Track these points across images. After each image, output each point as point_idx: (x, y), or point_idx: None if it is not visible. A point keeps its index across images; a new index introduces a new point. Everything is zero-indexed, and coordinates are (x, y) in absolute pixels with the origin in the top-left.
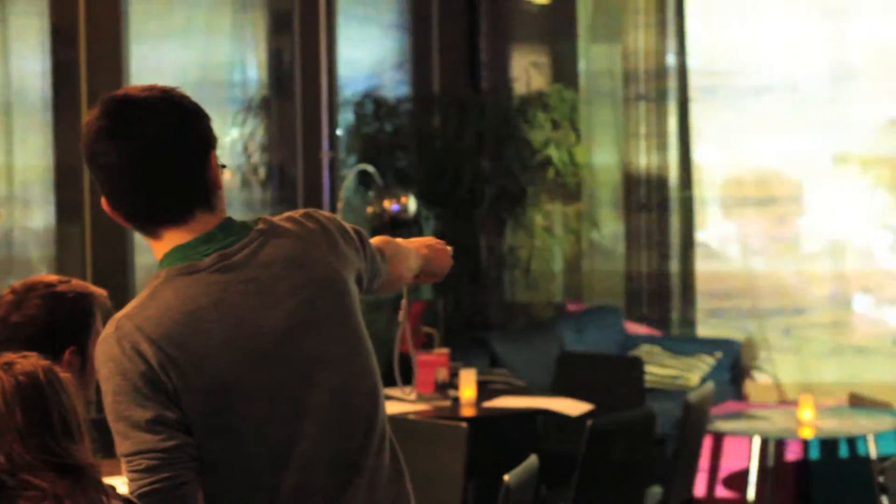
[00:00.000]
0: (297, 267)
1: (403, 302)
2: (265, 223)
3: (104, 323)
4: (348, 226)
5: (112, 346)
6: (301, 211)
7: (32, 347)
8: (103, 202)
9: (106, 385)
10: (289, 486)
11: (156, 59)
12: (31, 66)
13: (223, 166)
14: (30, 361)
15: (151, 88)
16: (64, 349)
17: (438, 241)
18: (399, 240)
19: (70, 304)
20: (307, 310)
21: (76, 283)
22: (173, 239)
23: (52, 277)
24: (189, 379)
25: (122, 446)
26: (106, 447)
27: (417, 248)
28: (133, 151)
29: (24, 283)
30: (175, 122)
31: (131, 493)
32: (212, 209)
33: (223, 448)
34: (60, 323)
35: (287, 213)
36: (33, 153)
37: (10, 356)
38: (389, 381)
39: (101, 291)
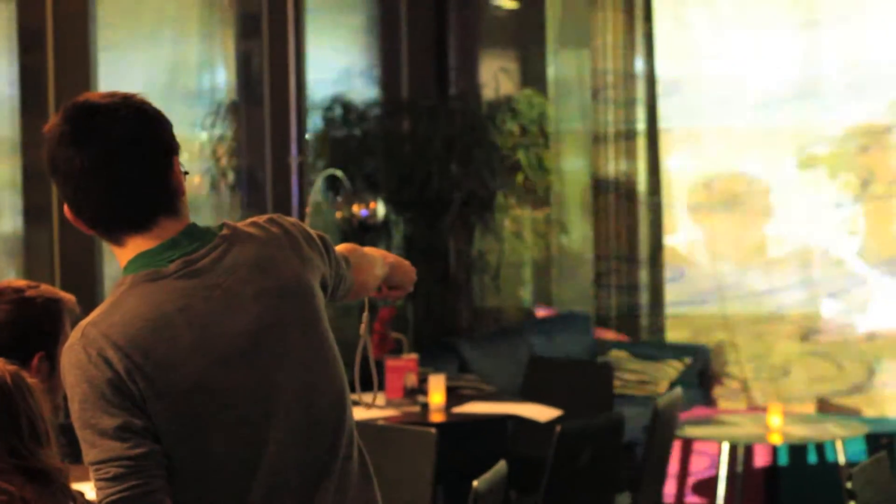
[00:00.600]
0: (262, 272)
1: (365, 315)
2: (229, 229)
3: (73, 328)
4: (312, 231)
5: (78, 353)
6: (265, 217)
7: (1, 352)
8: (66, 209)
9: (72, 392)
10: (258, 491)
11: (124, 63)
12: None
13: (186, 172)
14: None
15: (113, 95)
16: (32, 355)
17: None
18: (365, 248)
19: (39, 309)
20: (272, 314)
21: (45, 288)
22: (137, 246)
23: (21, 282)
24: (156, 385)
25: (89, 454)
26: (74, 453)
27: (383, 257)
28: (95, 158)
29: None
30: (137, 128)
31: (99, 501)
32: (176, 215)
33: (192, 454)
34: (29, 328)
35: (251, 219)
36: (0, 157)
37: None
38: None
39: (69, 297)
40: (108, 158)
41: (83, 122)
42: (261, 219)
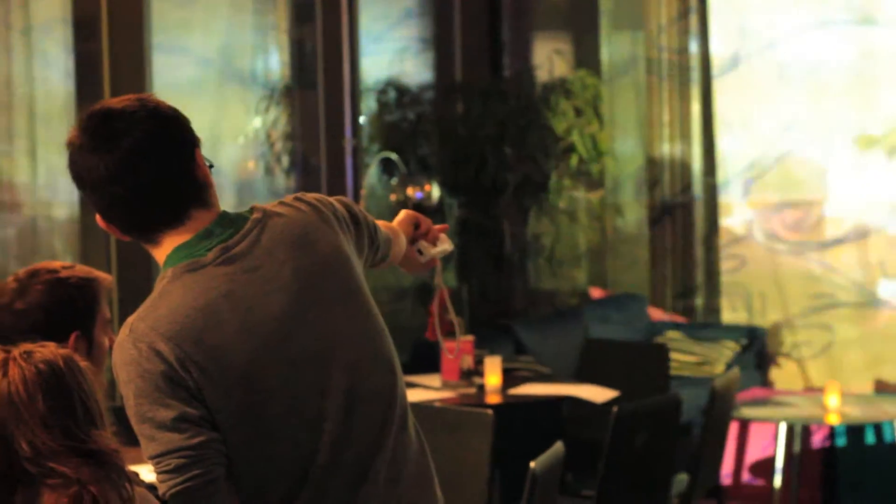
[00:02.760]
0: (299, 249)
1: (438, 267)
2: (259, 212)
3: (110, 308)
4: (336, 202)
5: (129, 349)
6: (291, 196)
7: (36, 334)
8: (98, 218)
9: (126, 389)
10: (316, 471)
11: (178, 50)
12: (54, 58)
13: (211, 165)
14: (49, 350)
15: (128, 99)
16: (68, 335)
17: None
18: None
19: (73, 289)
20: (314, 291)
21: (80, 268)
22: (173, 241)
23: (56, 264)
24: (209, 372)
25: (148, 448)
26: (128, 435)
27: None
28: (117, 163)
29: (27, 270)
30: (154, 128)
31: (163, 494)
32: (207, 206)
33: (250, 438)
34: (64, 309)
35: (277, 200)
36: (56, 145)
37: (28, 346)
38: (416, 368)
39: (105, 276)
40: (131, 162)
41: (100, 129)
42: (287, 199)
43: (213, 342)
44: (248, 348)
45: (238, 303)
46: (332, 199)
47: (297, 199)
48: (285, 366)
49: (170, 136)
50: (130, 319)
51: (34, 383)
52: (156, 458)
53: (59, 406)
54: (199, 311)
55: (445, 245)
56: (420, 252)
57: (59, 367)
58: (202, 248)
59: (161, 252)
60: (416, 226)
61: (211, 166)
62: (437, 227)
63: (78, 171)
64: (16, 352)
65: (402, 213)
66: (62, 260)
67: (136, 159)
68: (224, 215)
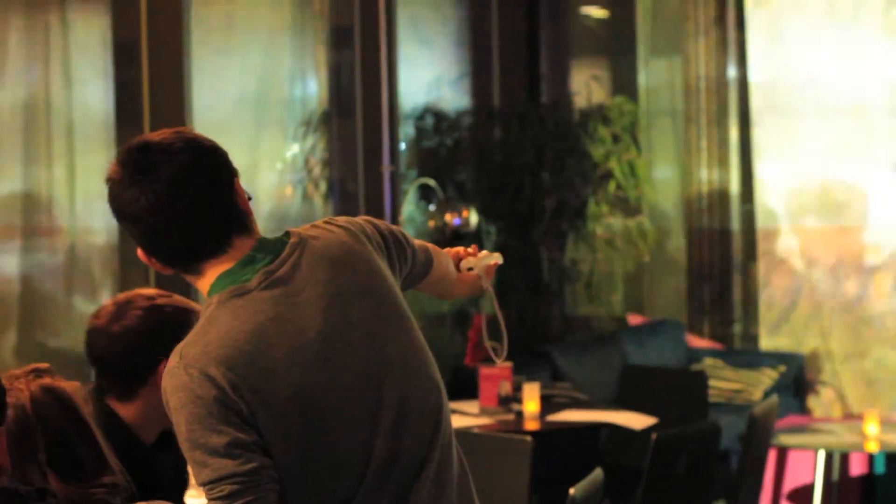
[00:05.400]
0: (339, 270)
1: (486, 279)
2: (296, 236)
3: None
4: (361, 220)
5: (180, 375)
6: (321, 220)
7: (129, 357)
8: (139, 252)
9: (178, 415)
10: (365, 488)
11: (217, 76)
12: (94, 84)
13: (250, 198)
14: (20, 388)
15: (165, 132)
16: (159, 361)
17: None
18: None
19: (168, 317)
20: (359, 309)
21: (177, 298)
22: (216, 270)
23: (152, 291)
24: (261, 396)
25: (201, 475)
26: None
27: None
28: (158, 196)
29: (126, 295)
30: (192, 160)
31: None
32: (248, 232)
33: (303, 461)
34: (157, 335)
35: (309, 224)
36: (96, 170)
37: (12, 376)
38: (454, 394)
39: (200, 308)
40: (170, 194)
41: (139, 162)
42: (318, 223)
43: (263, 365)
44: (297, 370)
45: (285, 326)
46: (360, 220)
47: (327, 222)
48: (335, 387)
49: (208, 166)
50: (180, 346)
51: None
52: (208, 485)
53: (22, 453)
54: (248, 335)
55: (493, 255)
56: (470, 269)
57: (23, 409)
58: (246, 273)
59: (204, 282)
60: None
61: (250, 198)
62: (470, 248)
63: (118, 205)
64: None
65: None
66: (101, 286)
67: (175, 190)
68: (263, 241)
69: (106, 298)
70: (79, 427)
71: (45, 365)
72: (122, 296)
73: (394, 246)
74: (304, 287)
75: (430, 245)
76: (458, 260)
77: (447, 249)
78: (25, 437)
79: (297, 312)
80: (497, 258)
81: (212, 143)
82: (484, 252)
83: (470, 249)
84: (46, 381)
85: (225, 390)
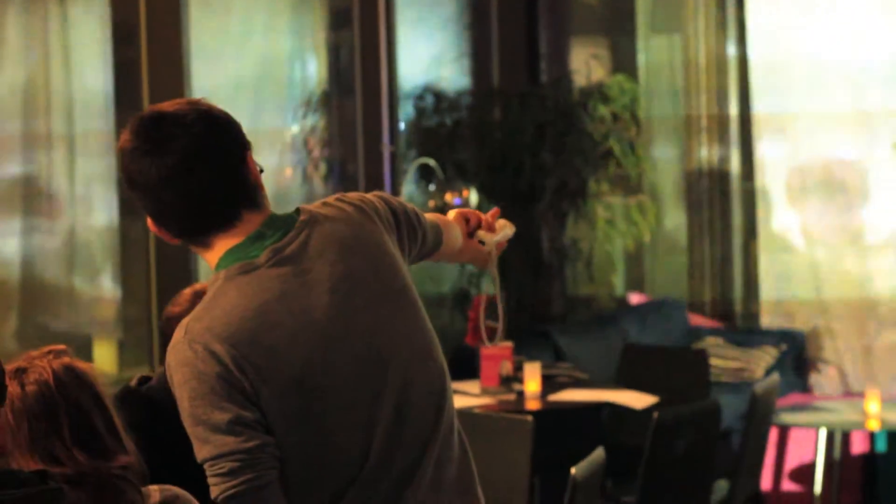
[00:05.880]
0: (348, 250)
1: (493, 258)
2: (306, 213)
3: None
4: (372, 197)
5: (184, 350)
6: (333, 197)
7: None
8: (149, 222)
9: (181, 391)
10: (366, 472)
11: (216, 56)
12: (93, 65)
13: (261, 170)
14: (43, 365)
15: (178, 103)
16: None
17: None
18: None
19: None
20: (366, 291)
21: None
22: (225, 244)
23: (203, 285)
24: (265, 374)
25: (202, 451)
26: None
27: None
28: (170, 167)
29: (203, 285)
30: (206, 131)
31: (215, 498)
32: (258, 207)
33: (305, 441)
34: None
35: (320, 201)
36: (95, 152)
37: (23, 362)
38: (455, 374)
39: None
40: (183, 165)
41: (153, 132)
42: (330, 199)
43: (268, 343)
44: (302, 350)
45: (291, 304)
46: (371, 197)
47: (339, 199)
48: (339, 367)
49: (221, 139)
50: (185, 321)
51: (19, 410)
52: (209, 461)
53: (44, 429)
54: (253, 312)
55: (506, 229)
56: (482, 243)
57: (47, 386)
58: (254, 250)
59: (212, 255)
60: (467, 220)
61: (261, 170)
62: (490, 213)
63: (129, 175)
64: (10, 368)
65: (450, 213)
66: (101, 268)
67: (189, 162)
68: (273, 217)
69: (106, 280)
70: (99, 406)
71: (61, 346)
72: (199, 285)
73: (405, 225)
74: (312, 267)
75: (440, 219)
76: (466, 223)
77: (460, 210)
78: (50, 413)
79: (304, 292)
80: (510, 232)
81: (226, 115)
82: (501, 221)
83: (493, 213)
84: (66, 360)
85: (228, 367)
